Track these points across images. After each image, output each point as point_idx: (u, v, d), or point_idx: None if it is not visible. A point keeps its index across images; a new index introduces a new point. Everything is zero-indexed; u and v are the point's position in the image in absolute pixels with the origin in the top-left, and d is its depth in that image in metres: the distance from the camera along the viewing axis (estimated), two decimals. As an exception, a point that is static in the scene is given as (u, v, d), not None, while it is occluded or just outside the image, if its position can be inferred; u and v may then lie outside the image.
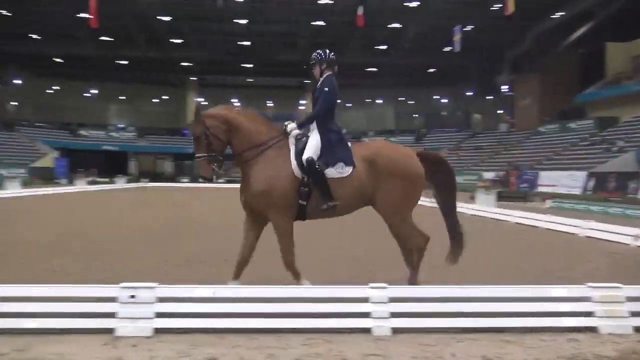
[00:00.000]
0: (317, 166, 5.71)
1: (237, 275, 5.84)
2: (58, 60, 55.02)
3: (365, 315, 4.77)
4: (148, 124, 62.49)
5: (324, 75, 6.03)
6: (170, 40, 51.11)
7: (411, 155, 6.04)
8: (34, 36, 49.14)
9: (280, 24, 46.83)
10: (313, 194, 5.74)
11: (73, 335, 4.47)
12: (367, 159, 5.85)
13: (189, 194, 31.64)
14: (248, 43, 51.65)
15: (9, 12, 43.08)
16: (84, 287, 4.82)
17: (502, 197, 24.10)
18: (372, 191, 5.84)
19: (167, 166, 61.59)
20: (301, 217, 5.91)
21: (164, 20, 46.33)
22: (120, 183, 45.85)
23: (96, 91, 63.44)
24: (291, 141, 5.91)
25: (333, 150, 5.80)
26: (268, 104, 67.23)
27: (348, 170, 5.77)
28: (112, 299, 4.64)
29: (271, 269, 6.50)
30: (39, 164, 46.28)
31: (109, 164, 53.73)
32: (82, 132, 57.95)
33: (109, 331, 4.51)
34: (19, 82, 59.10)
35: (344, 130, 6.25)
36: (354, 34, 46.69)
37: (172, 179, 55.27)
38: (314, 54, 6.10)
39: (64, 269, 7.10)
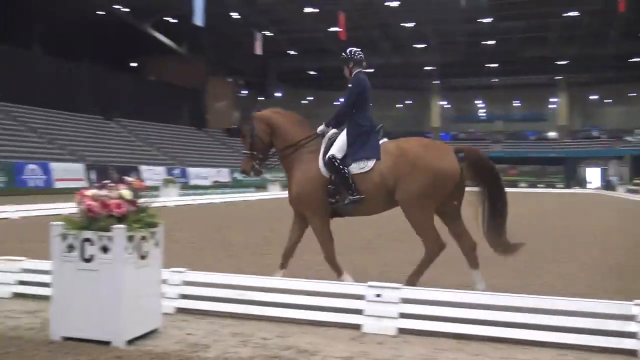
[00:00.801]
0: (336, 163, 5.82)
1: (284, 265, 6.21)
2: (312, 72, 59.86)
3: (631, 335, 4.24)
4: (392, 128, 64.48)
5: (353, 74, 6.14)
6: (413, 45, 52.05)
7: (441, 150, 5.87)
8: (292, 52, 54.18)
9: (528, 19, 44.44)
10: (339, 191, 5.84)
11: (324, 327, 4.81)
12: (394, 153, 5.83)
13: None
14: (492, 42, 50.08)
15: (271, 32, 48.22)
16: (335, 284, 5.14)
17: None
18: (395, 184, 5.75)
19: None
20: (337, 215, 6.10)
21: (407, 27, 47.36)
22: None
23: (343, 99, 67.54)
24: (324, 140, 6.11)
25: (356, 145, 5.88)
26: (515, 104, 64.30)
27: (370, 164, 5.81)
28: (359, 297, 4.87)
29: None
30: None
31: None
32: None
33: (356, 327, 4.75)
34: (279, 94, 65.74)
35: (379, 125, 6.25)
36: (613, 21, 42.17)
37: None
38: (342, 55, 6.24)
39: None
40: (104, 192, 4.34)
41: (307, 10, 44.46)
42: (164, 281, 5.04)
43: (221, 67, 57.92)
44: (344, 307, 4.88)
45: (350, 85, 6.13)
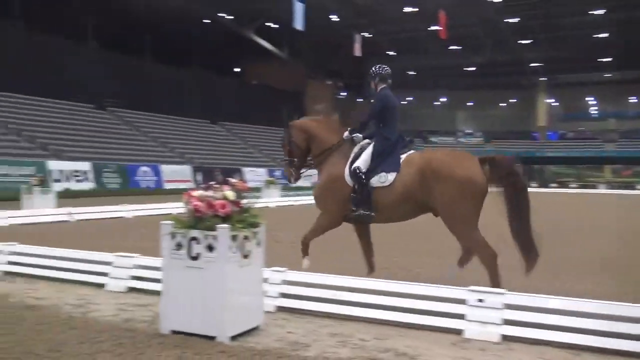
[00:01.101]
0: (360, 175, 5.98)
1: (372, 268, 6.44)
2: (411, 73, 59.25)
3: None
4: (495, 128, 62.40)
5: (379, 89, 6.36)
6: (519, 41, 50.12)
7: (465, 159, 5.86)
8: (391, 53, 53.91)
9: (646, 8, 41.47)
10: (359, 202, 6.01)
11: (422, 331, 4.74)
12: (419, 165, 5.85)
13: (537, 200, 30.36)
14: (605, 35, 47.16)
15: (370, 34, 48.21)
16: (434, 287, 5.06)
17: None
18: (424, 197, 5.80)
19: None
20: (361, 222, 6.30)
21: (512, 22, 45.69)
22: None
23: (445, 99, 66.22)
24: (355, 148, 6.28)
25: (378, 159, 6.02)
26: (631, 101, 60.20)
27: (390, 178, 5.90)
28: (461, 301, 4.76)
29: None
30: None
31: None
32: (433, 139, 61.17)
33: (458, 332, 4.64)
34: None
35: (408, 139, 6.44)
36: None
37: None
38: (370, 71, 6.39)
39: (418, 268, 7.57)
40: (209, 193, 4.53)
41: (407, 9, 44.05)
42: (266, 280, 5.19)
43: (320, 70, 58.67)
44: (444, 311, 4.78)
45: (372, 101, 6.43)
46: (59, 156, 29.70)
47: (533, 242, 5.67)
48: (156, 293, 5.35)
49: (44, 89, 36.46)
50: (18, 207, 15.03)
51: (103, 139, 34.96)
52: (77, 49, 41.37)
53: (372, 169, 6.01)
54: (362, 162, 6.09)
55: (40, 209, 14.80)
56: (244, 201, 4.63)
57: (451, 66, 55.66)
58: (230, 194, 4.52)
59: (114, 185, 29.39)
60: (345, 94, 65.77)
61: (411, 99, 65.78)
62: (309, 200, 25.53)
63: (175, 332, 4.48)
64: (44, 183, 16.59)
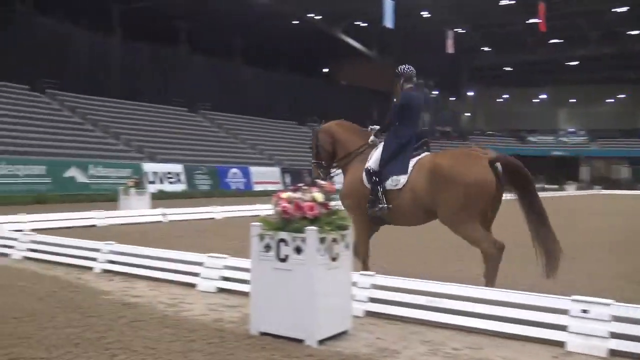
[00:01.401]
0: (372, 174, 6.25)
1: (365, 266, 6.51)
2: (507, 68, 57.44)
3: None
4: (600, 126, 59.16)
5: (404, 89, 6.52)
6: (628, 32, 47.34)
7: (474, 160, 5.88)
8: (486, 48, 52.53)
9: None
10: (374, 201, 6.22)
11: (519, 341, 4.57)
12: (428, 167, 5.99)
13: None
14: None
15: (463, 29, 47.23)
16: (534, 296, 4.86)
17: None
18: (430, 200, 5.91)
19: (623, 172, 56.83)
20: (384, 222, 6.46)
21: (619, 12, 43.21)
22: (571, 190, 44.76)
23: (545, 96, 63.64)
24: (372, 150, 6.50)
25: (389, 162, 6.20)
26: None
27: (402, 181, 6.08)
28: (563, 311, 4.55)
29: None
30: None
31: (559, 170, 53.13)
32: (531, 138, 58.95)
33: (559, 344, 4.44)
34: (471, 93, 64.02)
35: (423, 139, 6.40)
36: None
37: (629, 186, 50.76)
38: (395, 71, 6.63)
39: (512, 275, 7.32)
40: (298, 194, 4.60)
41: (503, 2, 42.76)
42: (354, 284, 5.20)
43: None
44: (544, 321, 4.59)
45: (394, 100, 6.70)
46: (153, 158, 31.23)
47: (554, 245, 5.65)
48: (245, 294, 5.50)
49: (139, 93, 38.59)
50: (116, 208, 15.94)
51: (195, 142, 36.38)
52: (170, 54, 43.36)
53: (382, 168, 6.24)
54: (373, 161, 6.37)
55: (136, 210, 15.62)
56: (332, 203, 4.67)
57: (551, 61, 53.44)
58: (318, 195, 4.57)
59: (204, 187, 30.47)
60: (437, 92, 64.77)
61: (507, 96, 63.79)
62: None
63: (263, 334, 4.58)
64: (139, 185, 17.46)
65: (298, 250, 4.45)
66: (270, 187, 29.83)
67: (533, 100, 64.00)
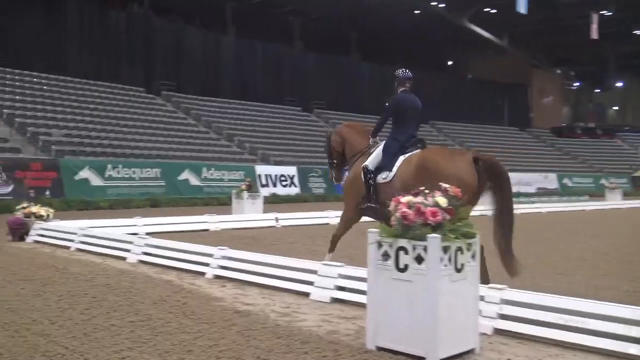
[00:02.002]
0: (367, 172, 7.16)
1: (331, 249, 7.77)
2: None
3: None
4: None
5: (398, 92, 7.46)
6: None
7: (458, 155, 6.69)
8: (638, 32, 49.21)
9: None
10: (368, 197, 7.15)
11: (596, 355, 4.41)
12: (415, 163, 6.76)
13: None
14: None
15: (610, 11, 44.52)
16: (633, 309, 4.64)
17: None
18: None
19: None
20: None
21: None
22: None
23: None
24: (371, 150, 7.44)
25: (382, 157, 7.14)
26: None
27: (390, 175, 6.96)
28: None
29: None
30: (641, 173, 46.14)
31: None
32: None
33: None
34: (620, 84, 60.24)
35: (419, 138, 7.30)
36: None
37: None
38: (393, 74, 7.58)
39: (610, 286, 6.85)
40: (419, 199, 4.54)
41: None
42: (481, 298, 5.05)
43: (547, 58, 55.71)
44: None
45: (386, 104, 7.55)
46: (266, 160, 32.20)
47: (511, 247, 6.17)
48: (361, 305, 5.52)
49: (252, 92, 39.98)
50: (229, 212, 16.60)
51: (309, 143, 37.08)
52: (284, 52, 44.54)
53: (379, 167, 7.12)
54: (370, 160, 7.29)
55: (249, 214, 16.18)
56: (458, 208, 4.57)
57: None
58: (442, 200, 4.49)
59: (319, 190, 30.93)
60: (578, 84, 61.64)
61: (664, 86, 59.30)
62: (532, 208, 24.49)
63: (380, 349, 4.57)
64: (251, 188, 18.08)
65: (419, 259, 4.40)
66: (388, 191, 29.70)
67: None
